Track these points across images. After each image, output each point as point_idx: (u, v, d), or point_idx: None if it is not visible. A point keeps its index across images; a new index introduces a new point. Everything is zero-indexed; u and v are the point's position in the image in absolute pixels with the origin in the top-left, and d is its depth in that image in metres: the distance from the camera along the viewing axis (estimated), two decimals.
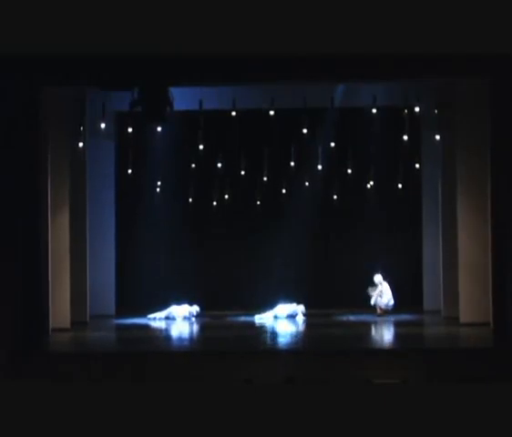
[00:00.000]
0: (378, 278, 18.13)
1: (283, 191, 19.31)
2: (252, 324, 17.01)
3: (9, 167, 13.61)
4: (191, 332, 16.44)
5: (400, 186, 18.90)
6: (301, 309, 17.75)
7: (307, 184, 19.13)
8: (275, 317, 17.62)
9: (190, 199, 19.29)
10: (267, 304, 17.87)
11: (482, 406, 7.58)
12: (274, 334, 15.79)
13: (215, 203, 19.25)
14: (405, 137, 17.42)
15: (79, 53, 11.85)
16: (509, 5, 11.19)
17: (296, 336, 15.75)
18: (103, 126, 17.03)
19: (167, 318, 17.65)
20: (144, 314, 17.82)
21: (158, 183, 19.11)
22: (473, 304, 15.88)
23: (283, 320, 17.43)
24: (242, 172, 18.78)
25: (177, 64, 13.17)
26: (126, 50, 11.71)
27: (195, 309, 17.83)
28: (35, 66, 13.29)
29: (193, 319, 17.64)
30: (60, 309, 15.77)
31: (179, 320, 17.49)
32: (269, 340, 15.21)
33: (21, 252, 13.82)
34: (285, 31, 11.59)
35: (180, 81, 14.29)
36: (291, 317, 17.64)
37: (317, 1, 11.54)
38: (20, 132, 13.85)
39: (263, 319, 17.47)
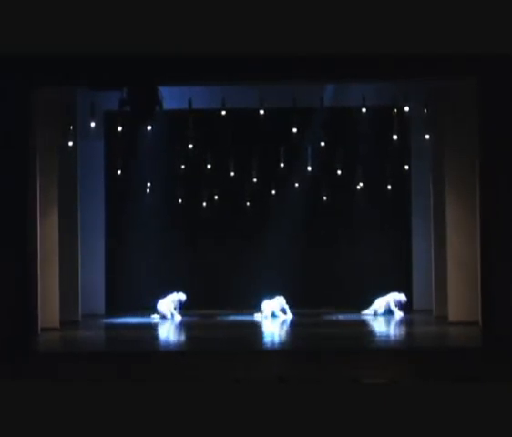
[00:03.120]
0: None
1: (273, 192, 19.33)
2: (242, 323, 17.02)
3: None
4: (181, 332, 16.42)
5: (389, 186, 18.95)
6: (281, 301, 17.78)
7: (297, 184, 19.17)
8: (272, 315, 17.69)
9: (180, 200, 19.29)
10: (256, 303, 17.90)
11: (470, 406, 7.60)
12: (265, 333, 15.81)
13: (204, 203, 19.25)
14: (395, 137, 17.45)
15: (68, 53, 11.83)
16: (496, 6, 11.23)
17: (287, 335, 15.76)
18: (92, 125, 17.00)
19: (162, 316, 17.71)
20: (134, 314, 17.86)
21: (148, 184, 19.10)
22: (462, 303, 15.93)
23: (273, 319, 17.47)
24: (232, 173, 18.78)
25: (166, 63, 13.16)
26: (115, 50, 11.70)
27: (181, 296, 17.83)
28: (23, 66, 13.26)
29: (176, 312, 17.65)
30: (50, 309, 15.74)
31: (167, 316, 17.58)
32: (260, 340, 15.21)
33: (10, 252, 13.77)
34: (275, 31, 11.60)
35: (170, 80, 14.29)
36: (282, 311, 17.71)
37: (307, 1, 11.56)
38: (9, 132, 13.81)
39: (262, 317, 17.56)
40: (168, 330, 16.45)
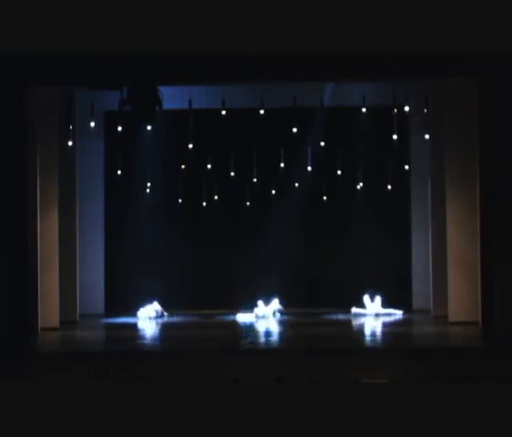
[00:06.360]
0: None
1: (273, 192, 19.33)
2: (241, 323, 17.03)
3: None
4: (180, 332, 16.40)
5: (389, 186, 18.96)
6: (276, 303, 17.83)
7: (297, 184, 19.18)
8: (257, 316, 17.68)
9: (180, 200, 19.29)
10: (255, 303, 17.93)
11: (470, 406, 7.59)
12: (262, 333, 15.80)
13: (204, 203, 19.25)
14: (395, 137, 17.46)
15: (68, 53, 11.83)
16: (496, 5, 11.23)
17: (285, 335, 15.75)
18: (92, 124, 17.02)
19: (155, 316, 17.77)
20: (134, 314, 17.88)
21: (148, 184, 19.10)
22: (462, 303, 15.92)
23: (269, 319, 17.48)
24: (232, 173, 18.78)
25: (166, 63, 13.16)
26: (115, 50, 11.69)
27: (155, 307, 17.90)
28: (23, 65, 13.27)
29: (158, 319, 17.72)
30: (49, 309, 15.73)
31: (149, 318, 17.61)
32: (257, 340, 15.20)
33: (9, 252, 13.77)
34: (275, 31, 11.59)
35: (170, 80, 14.30)
36: (277, 314, 17.74)
37: (307, 2, 11.56)
38: (8, 132, 13.81)
39: (245, 318, 17.56)
40: (167, 330, 16.44)
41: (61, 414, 7.63)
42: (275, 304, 17.87)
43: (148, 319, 17.59)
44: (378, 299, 18.13)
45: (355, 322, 17.08)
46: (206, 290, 19.00)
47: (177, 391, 8.04)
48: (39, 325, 15.10)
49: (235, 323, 17.08)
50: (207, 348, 13.69)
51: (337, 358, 12.13)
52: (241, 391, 8.29)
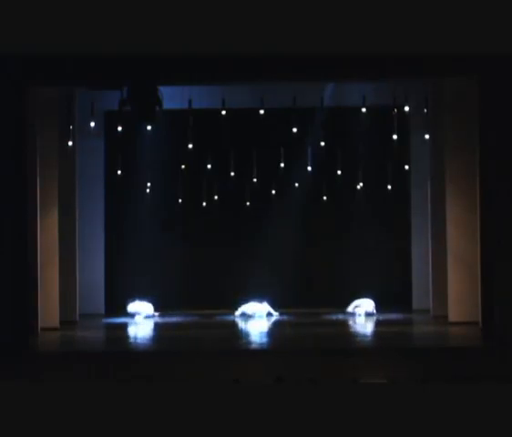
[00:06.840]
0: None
1: (273, 192, 19.34)
2: (241, 323, 17.03)
3: None
4: (180, 332, 16.40)
5: (389, 186, 18.96)
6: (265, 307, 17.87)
7: (297, 184, 19.18)
8: (246, 315, 17.73)
9: (180, 200, 19.29)
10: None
11: (470, 406, 7.59)
12: (262, 334, 15.81)
13: (204, 203, 19.25)
14: (395, 137, 17.46)
15: (68, 53, 11.84)
16: (497, 5, 11.24)
17: (285, 335, 15.76)
18: (92, 125, 17.02)
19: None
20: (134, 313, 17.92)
21: (148, 184, 19.10)
22: (462, 303, 15.92)
23: (264, 319, 17.50)
24: (232, 173, 18.79)
25: (166, 63, 13.17)
26: (115, 50, 11.70)
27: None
28: (23, 65, 13.27)
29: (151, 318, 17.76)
30: (49, 309, 15.73)
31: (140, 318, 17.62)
32: (257, 340, 15.20)
33: (9, 252, 13.77)
34: (275, 31, 11.60)
35: (170, 80, 14.30)
36: (268, 315, 17.77)
37: (307, 2, 11.57)
38: (8, 132, 13.81)
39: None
40: (167, 330, 16.44)
41: (61, 414, 7.62)
42: (266, 305, 17.89)
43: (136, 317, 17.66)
44: (356, 303, 18.11)
45: (355, 322, 17.08)
46: (206, 290, 19.00)
47: (177, 391, 8.04)
48: (39, 325, 15.10)
49: (235, 323, 17.10)
50: (207, 348, 13.69)
51: (337, 358, 12.13)
52: (241, 391, 8.29)
